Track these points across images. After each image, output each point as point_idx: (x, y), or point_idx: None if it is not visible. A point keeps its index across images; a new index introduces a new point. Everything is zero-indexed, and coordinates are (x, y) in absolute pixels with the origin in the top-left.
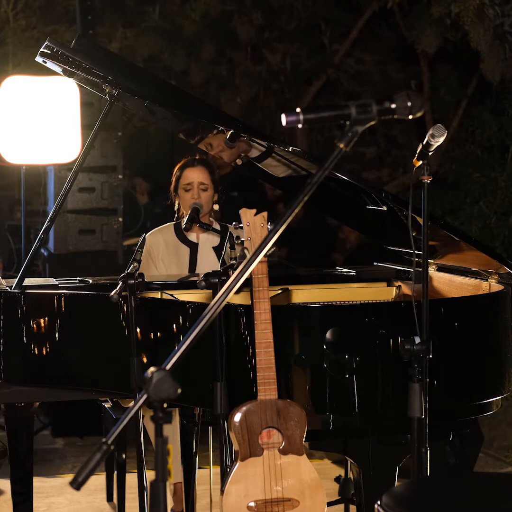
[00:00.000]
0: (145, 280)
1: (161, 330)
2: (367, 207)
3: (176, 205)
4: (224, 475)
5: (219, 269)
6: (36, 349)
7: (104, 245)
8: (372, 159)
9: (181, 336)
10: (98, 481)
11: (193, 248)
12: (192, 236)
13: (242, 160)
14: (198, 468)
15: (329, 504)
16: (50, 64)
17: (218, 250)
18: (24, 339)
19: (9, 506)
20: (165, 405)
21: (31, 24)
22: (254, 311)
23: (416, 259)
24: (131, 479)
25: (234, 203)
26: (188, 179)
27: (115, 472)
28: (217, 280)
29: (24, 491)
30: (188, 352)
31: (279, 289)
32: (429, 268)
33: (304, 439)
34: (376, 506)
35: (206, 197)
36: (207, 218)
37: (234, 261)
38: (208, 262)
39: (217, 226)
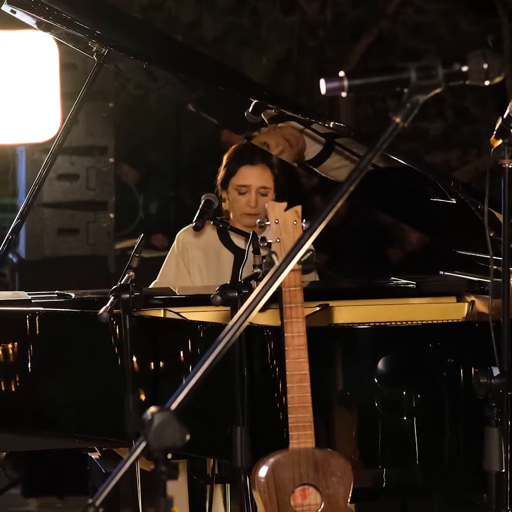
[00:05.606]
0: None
1: (165, 359)
2: (431, 199)
3: (226, 204)
4: None
5: (239, 279)
6: (2, 383)
7: (91, 248)
8: (438, 138)
9: (190, 367)
10: None
11: (239, 255)
12: (238, 240)
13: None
14: None
15: None
16: (20, 15)
17: None
18: None
19: None
20: (169, 456)
21: None
22: (285, 335)
23: (495, 267)
24: None
25: None
26: (244, 179)
27: None
28: (236, 294)
29: None
30: (199, 387)
31: (317, 306)
32: (511, 279)
33: (349, 500)
34: None
35: (264, 204)
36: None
37: (258, 270)
38: None
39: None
